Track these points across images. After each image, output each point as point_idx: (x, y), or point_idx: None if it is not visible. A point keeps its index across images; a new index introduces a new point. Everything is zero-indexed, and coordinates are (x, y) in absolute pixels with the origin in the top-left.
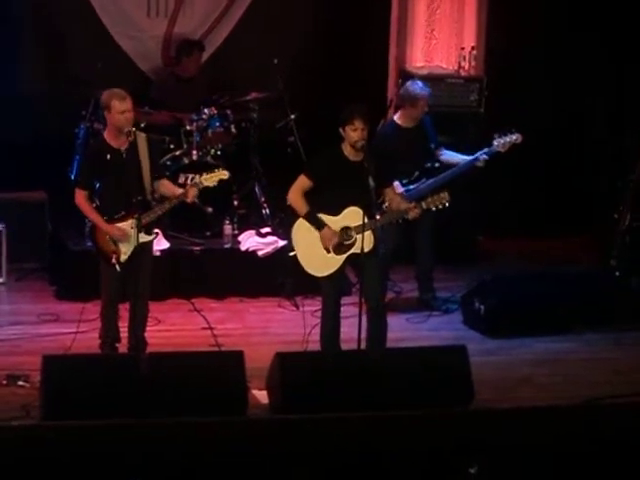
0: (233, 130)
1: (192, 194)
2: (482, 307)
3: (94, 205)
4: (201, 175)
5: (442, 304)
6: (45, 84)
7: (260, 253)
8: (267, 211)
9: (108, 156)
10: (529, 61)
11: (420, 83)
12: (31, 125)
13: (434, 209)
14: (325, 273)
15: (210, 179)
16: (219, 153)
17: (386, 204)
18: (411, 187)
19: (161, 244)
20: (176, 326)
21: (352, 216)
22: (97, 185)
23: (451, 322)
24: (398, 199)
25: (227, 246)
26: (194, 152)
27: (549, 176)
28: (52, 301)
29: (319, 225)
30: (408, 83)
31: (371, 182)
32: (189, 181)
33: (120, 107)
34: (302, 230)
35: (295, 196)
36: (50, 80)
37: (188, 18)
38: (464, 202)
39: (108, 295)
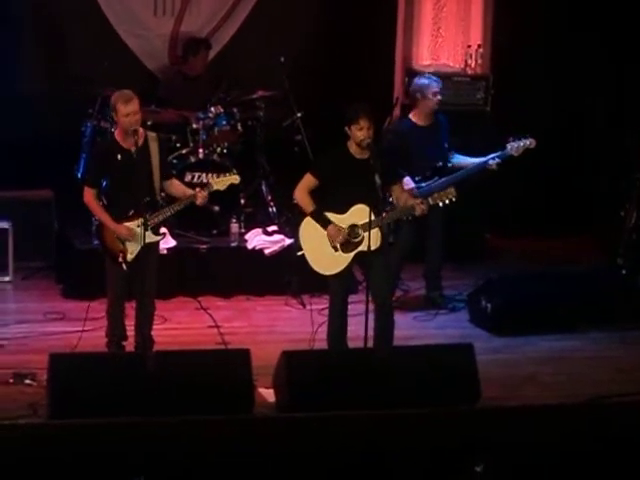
0: (239, 128)
1: (202, 197)
2: (489, 305)
3: (101, 204)
4: (212, 177)
5: (449, 302)
6: (51, 83)
7: (267, 251)
8: (274, 209)
9: (119, 156)
10: (534, 60)
11: (428, 75)
12: (37, 124)
13: (441, 205)
14: (333, 271)
15: (221, 182)
16: (225, 151)
17: (393, 201)
18: (423, 184)
19: (168, 242)
20: (182, 324)
21: (359, 214)
22: (104, 183)
23: (457, 320)
24: (405, 196)
25: (234, 244)
26: (200, 150)
27: (551, 175)
28: (58, 299)
29: (325, 223)
30: (416, 78)
31: (377, 180)
32: (196, 179)
33: (125, 110)
34: (309, 228)
35: (301, 194)
36: (56, 79)
37: (194, 17)
38: (471, 200)
39: (114, 293)
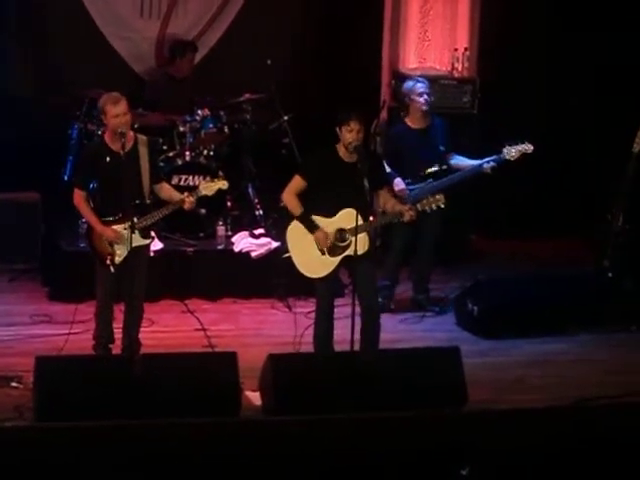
0: (226, 131)
1: (189, 203)
2: (475, 308)
3: (91, 206)
4: (201, 182)
5: (435, 305)
6: (38, 85)
7: (253, 254)
8: (260, 212)
9: (107, 159)
10: (520, 62)
11: (415, 78)
12: (24, 126)
13: (429, 211)
14: (319, 275)
15: (209, 188)
16: (212, 154)
17: (381, 206)
18: (414, 187)
19: (154, 245)
20: (169, 327)
21: (347, 218)
22: (92, 186)
23: (444, 323)
24: (393, 201)
25: (220, 247)
26: (187, 153)
27: (538, 177)
28: (45, 302)
29: (312, 227)
30: (404, 82)
31: (365, 183)
32: (182, 182)
33: (113, 111)
34: (296, 231)
35: (289, 197)
36: (43, 81)
37: (181, 19)
38: (457, 201)
39: (103, 296)
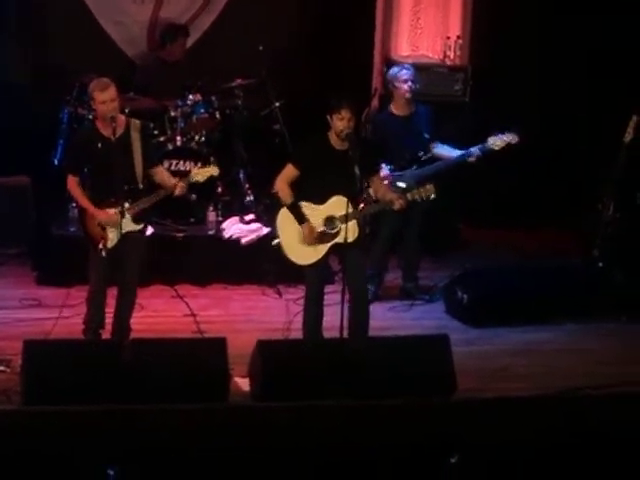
0: (218, 116)
1: (180, 189)
2: (465, 297)
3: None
4: (192, 167)
5: (424, 293)
6: (28, 69)
7: (243, 240)
8: (251, 198)
9: (99, 144)
10: (513, 51)
11: (400, 64)
12: (14, 110)
13: (419, 201)
14: (309, 262)
15: (200, 174)
16: (203, 139)
17: (372, 193)
18: (397, 173)
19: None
20: (159, 312)
21: (337, 205)
22: (85, 170)
23: (433, 311)
24: (384, 189)
25: (211, 233)
26: (178, 138)
27: (529, 166)
28: (34, 286)
29: (301, 219)
30: (390, 68)
31: (357, 171)
32: (173, 167)
33: (101, 97)
34: (286, 218)
35: (282, 185)
36: (33, 65)
37: (173, 3)
38: (445, 190)
39: (96, 280)
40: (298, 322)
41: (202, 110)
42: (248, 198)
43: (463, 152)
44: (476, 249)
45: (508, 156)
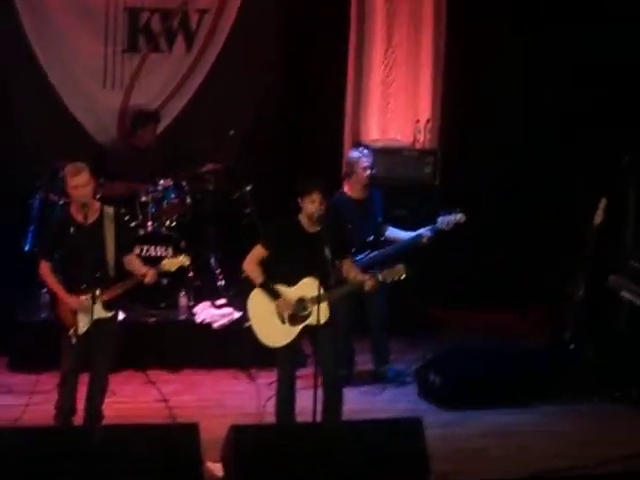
0: (188, 201)
1: (150, 277)
2: (437, 379)
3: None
4: (165, 253)
5: (397, 377)
6: None
7: (215, 325)
8: (222, 283)
9: (71, 229)
10: (482, 134)
11: (361, 149)
12: None
13: (390, 281)
14: (280, 344)
15: (170, 264)
16: (174, 224)
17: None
18: (356, 257)
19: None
20: (130, 398)
21: (307, 287)
22: (56, 256)
23: (406, 394)
24: (355, 271)
25: (182, 317)
26: (149, 223)
27: (503, 243)
28: (4, 372)
29: (274, 295)
30: (350, 151)
31: (327, 253)
32: (144, 252)
33: (73, 182)
34: (257, 301)
35: (251, 266)
36: (3, 150)
37: (144, 90)
38: (416, 272)
39: (67, 366)
40: (271, 406)
41: (173, 195)
42: (219, 283)
43: (415, 234)
44: (450, 331)
45: (483, 239)
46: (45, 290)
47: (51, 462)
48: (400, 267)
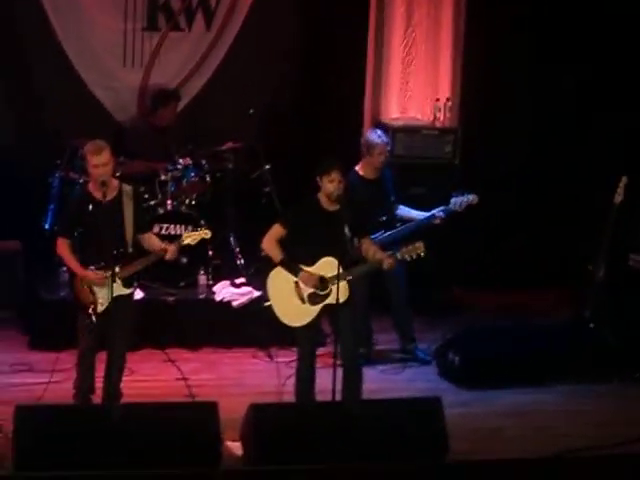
0: (208, 180)
1: (171, 253)
2: (457, 359)
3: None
4: (184, 230)
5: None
6: (19, 133)
7: (235, 303)
8: (242, 261)
9: (90, 207)
10: (503, 112)
11: (378, 131)
12: (5, 174)
13: (409, 259)
14: (300, 323)
15: (191, 238)
16: (194, 203)
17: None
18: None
19: (136, 294)
20: (150, 377)
21: (327, 266)
22: (76, 234)
23: (426, 374)
24: (374, 249)
25: (202, 296)
26: (169, 202)
27: (521, 228)
28: (25, 351)
29: (296, 270)
30: (368, 132)
31: (347, 232)
32: (164, 231)
33: (93, 160)
34: (277, 280)
35: (269, 244)
36: (24, 129)
37: (163, 68)
38: (439, 252)
39: (85, 345)
40: (290, 385)
41: (192, 174)
42: (239, 261)
43: (428, 214)
44: (470, 311)
45: (505, 218)
46: (65, 269)
47: (70, 440)
48: (419, 244)
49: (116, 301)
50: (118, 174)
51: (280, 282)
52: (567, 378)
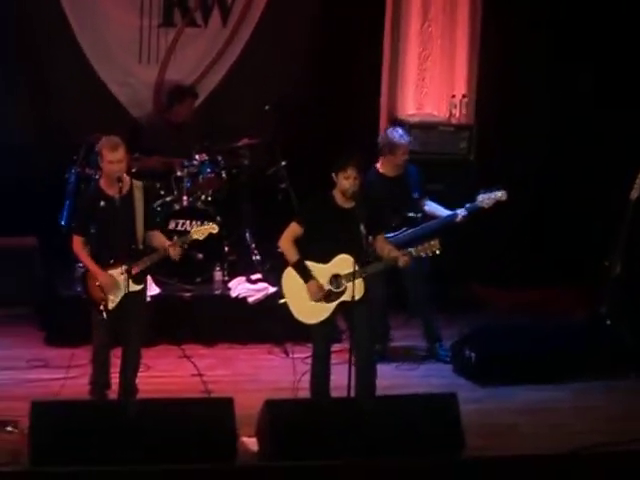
0: (224, 176)
1: (176, 252)
2: (473, 355)
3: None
4: (194, 225)
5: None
6: (36, 130)
7: (250, 300)
8: (257, 257)
9: (102, 203)
10: (518, 109)
11: (400, 130)
12: (21, 171)
13: (424, 256)
14: (315, 320)
15: (199, 232)
16: (210, 199)
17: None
18: (389, 235)
19: (151, 290)
20: (166, 372)
21: (342, 264)
22: (91, 231)
23: (441, 370)
24: (389, 247)
25: (217, 292)
26: (185, 198)
27: (538, 225)
28: (41, 346)
29: (306, 277)
30: (388, 130)
31: (362, 229)
32: (180, 227)
33: (109, 157)
34: (292, 277)
35: (286, 244)
36: (41, 125)
37: (179, 64)
38: (457, 249)
39: (99, 341)
40: (305, 381)
41: (208, 170)
42: (254, 257)
43: (450, 213)
44: (487, 307)
45: (522, 215)
46: (80, 265)
47: (86, 436)
48: (435, 242)
49: (127, 297)
50: (134, 170)
51: (295, 279)
52: (584, 375)
